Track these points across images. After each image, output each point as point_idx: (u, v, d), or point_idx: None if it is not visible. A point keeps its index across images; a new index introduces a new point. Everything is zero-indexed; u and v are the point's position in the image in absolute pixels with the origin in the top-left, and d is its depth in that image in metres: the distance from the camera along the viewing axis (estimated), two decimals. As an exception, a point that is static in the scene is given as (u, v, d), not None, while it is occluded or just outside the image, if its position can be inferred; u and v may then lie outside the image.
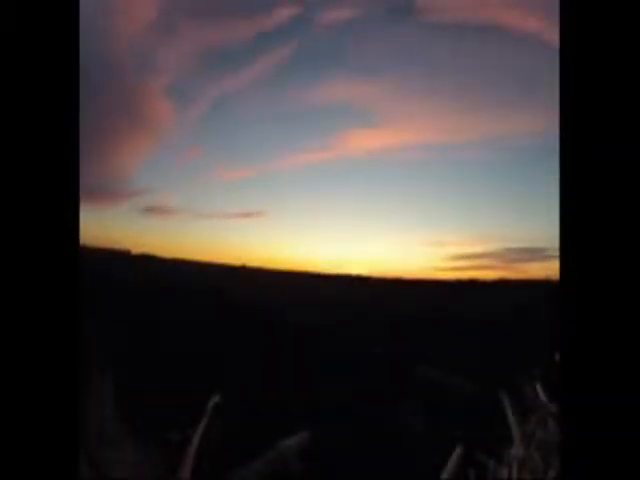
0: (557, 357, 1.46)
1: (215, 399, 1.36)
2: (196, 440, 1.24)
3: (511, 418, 1.68)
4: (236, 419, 4.02)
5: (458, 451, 1.62)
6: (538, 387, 1.83)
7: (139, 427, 1.45)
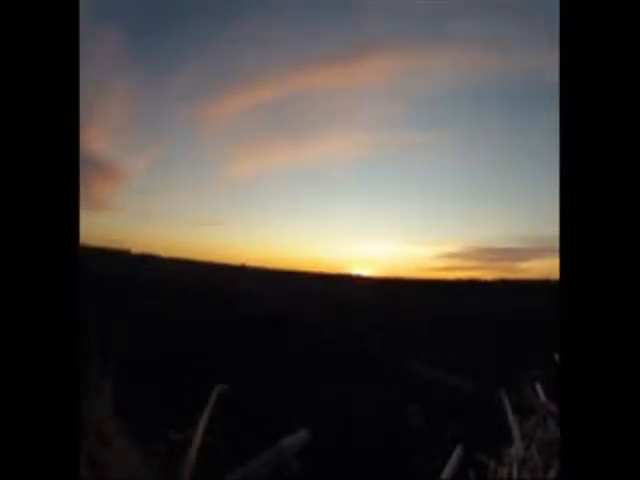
0: (557, 357, 1.46)
1: (220, 388, 1.34)
2: (202, 427, 1.23)
3: (511, 418, 1.68)
4: (236, 418, 4.02)
5: (458, 451, 1.62)
6: (538, 387, 1.83)
7: (139, 427, 1.45)
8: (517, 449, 1.58)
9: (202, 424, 1.22)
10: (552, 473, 1.45)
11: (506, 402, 1.74)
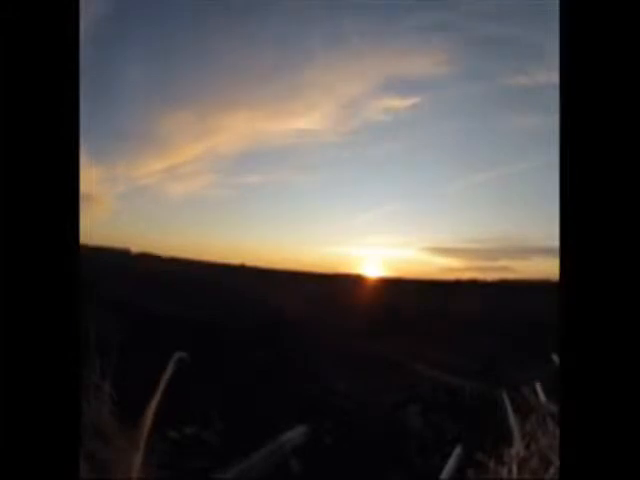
0: (555, 358, 1.46)
1: (179, 354, 1.34)
2: (160, 391, 1.23)
3: (511, 418, 1.68)
4: (237, 414, 4.02)
5: (458, 451, 1.62)
6: (538, 387, 1.83)
7: (138, 426, 1.44)
8: (517, 449, 1.57)
9: (160, 389, 1.22)
10: (552, 473, 1.45)
11: (506, 402, 1.74)
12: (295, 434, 3.44)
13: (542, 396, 1.78)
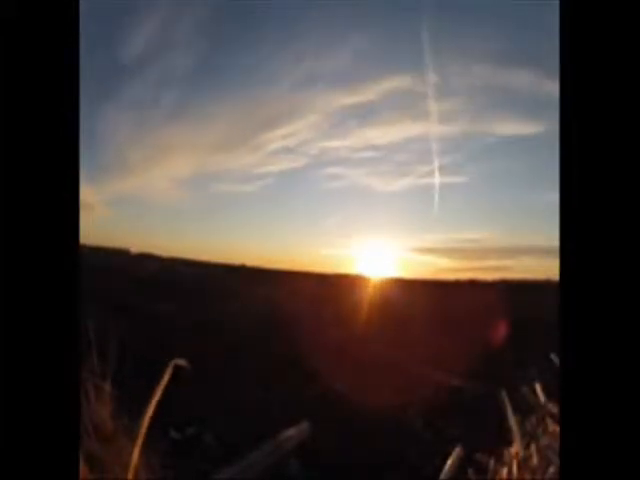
0: (555, 358, 1.46)
1: (177, 361, 1.31)
2: (155, 401, 1.21)
3: (511, 418, 1.68)
4: (238, 413, 4.02)
5: (458, 451, 1.62)
6: (537, 387, 1.83)
7: (138, 426, 1.45)
8: (517, 449, 1.57)
9: (155, 398, 1.21)
10: (552, 473, 1.45)
11: (506, 402, 1.74)
12: (295, 432, 3.43)
13: (542, 396, 1.78)
